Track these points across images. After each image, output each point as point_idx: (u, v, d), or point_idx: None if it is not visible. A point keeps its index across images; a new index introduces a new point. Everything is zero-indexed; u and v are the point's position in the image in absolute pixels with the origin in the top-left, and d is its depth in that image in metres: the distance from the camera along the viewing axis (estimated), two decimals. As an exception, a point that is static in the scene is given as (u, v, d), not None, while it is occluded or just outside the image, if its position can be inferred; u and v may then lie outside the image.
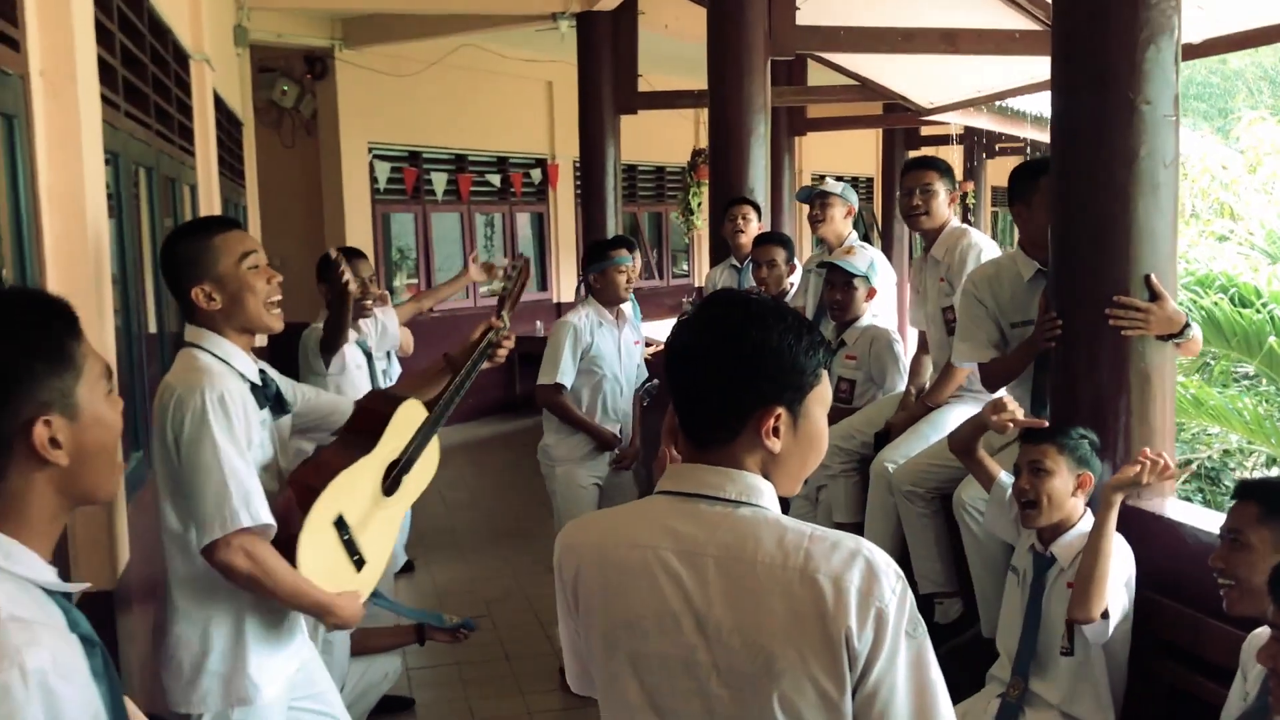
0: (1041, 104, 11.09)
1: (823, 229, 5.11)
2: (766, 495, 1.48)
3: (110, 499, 1.62)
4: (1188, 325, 3.13)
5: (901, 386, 4.37)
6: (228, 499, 2.26)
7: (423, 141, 10.37)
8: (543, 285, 11.73)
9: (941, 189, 4.16)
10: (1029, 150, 12.34)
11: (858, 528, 4.22)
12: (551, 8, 8.36)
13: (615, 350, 4.67)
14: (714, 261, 6.26)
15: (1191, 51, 5.27)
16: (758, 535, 1.43)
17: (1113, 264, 3.11)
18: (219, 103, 5.82)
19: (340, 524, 2.57)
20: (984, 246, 4.11)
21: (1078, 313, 3.18)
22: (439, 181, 10.53)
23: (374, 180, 9.99)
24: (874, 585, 1.37)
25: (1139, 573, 2.90)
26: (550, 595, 5.66)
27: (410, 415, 2.76)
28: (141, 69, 3.70)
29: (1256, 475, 6.57)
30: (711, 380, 1.48)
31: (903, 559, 3.99)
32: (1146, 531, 2.99)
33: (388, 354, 5.28)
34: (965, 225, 4.30)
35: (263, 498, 2.34)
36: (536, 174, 11.52)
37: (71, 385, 1.32)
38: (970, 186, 15.39)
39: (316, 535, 2.48)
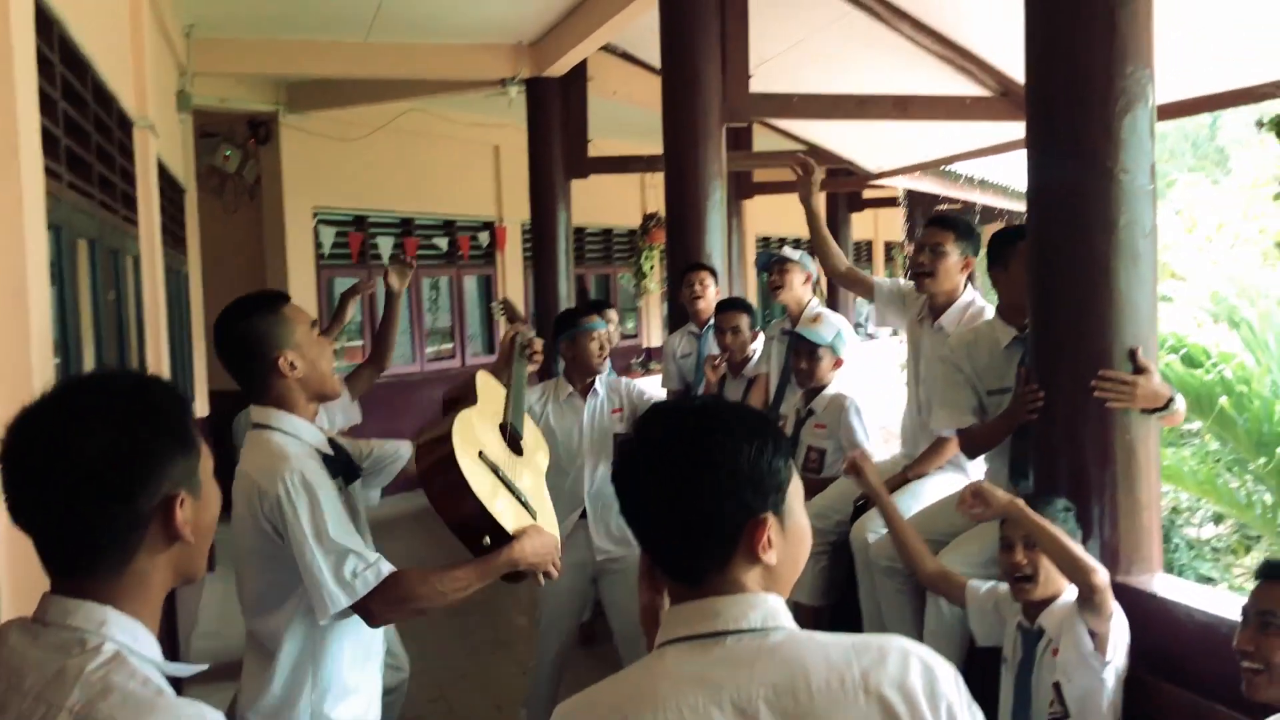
0: (985, 168, 11.27)
1: (783, 295, 5.06)
2: (785, 613, 1.35)
3: (201, 578, 1.57)
4: (1172, 399, 3.08)
5: (870, 451, 4.29)
6: (343, 568, 2.28)
7: (368, 205, 10.24)
8: (491, 349, 11.58)
9: (954, 252, 3.93)
10: (977, 213, 12.48)
11: (818, 612, 4.11)
12: (500, 74, 8.35)
13: (576, 430, 4.24)
14: (672, 327, 6.18)
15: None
16: (803, 661, 1.27)
17: (1094, 335, 3.06)
18: (162, 169, 5.66)
19: (486, 461, 2.58)
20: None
21: (1059, 384, 3.12)
22: (385, 245, 10.39)
23: (318, 245, 9.83)
24: (935, 682, 1.27)
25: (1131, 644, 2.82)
26: (510, 676, 5.50)
27: (489, 383, 2.90)
28: (85, 138, 3.54)
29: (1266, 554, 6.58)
30: (691, 506, 1.32)
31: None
32: (1138, 610, 2.91)
33: None
34: (985, 304, 4.01)
35: (371, 552, 2.36)
36: (484, 237, 11.43)
37: (195, 465, 1.37)
38: (911, 248, 15.57)
39: (470, 463, 2.50)
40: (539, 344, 3.19)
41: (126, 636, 1.28)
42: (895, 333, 13.75)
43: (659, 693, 1.28)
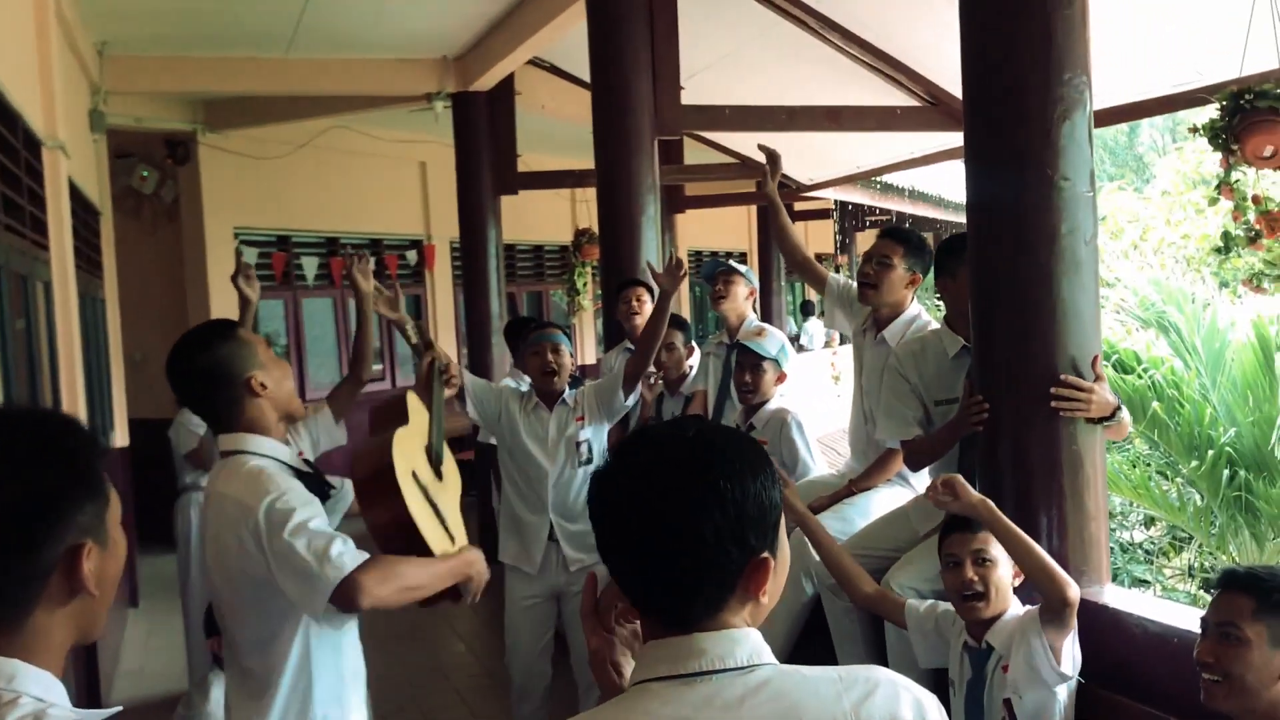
0: (916, 179, 11.36)
1: (725, 305, 4.99)
2: (768, 649, 1.25)
3: (99, 635, 1.47)
4: (1119, 408, 3.06)
5: (812, 466, 4.24)
6: (328, 553, 2.23)
7: (292, 225, 10.03)
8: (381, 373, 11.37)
9: (900, 265, 3.88)
10: (908, 224, 12.61)
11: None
12: (426, 88, 8.22)
13: (543, 441, 4.19)
14: (608, 345, 6.08)
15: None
16: (792, 698, 1.18)
17: (1038, 345, 3.03)
18: (75, 191, 5.44)
19: (418, 481, 2.59)
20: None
21: (1004, 395, 3.08)
22: (309, 266, 10.18)
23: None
24: (925, 714, 1.22)
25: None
26: (451, 705, 5.37)
27: (417, 405, 2.91)
28: (-13, 159, 3.36)
29: (1244, 565, 6.66)
30: (691, 549, 1.20)
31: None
32: (1089, 621, 2.86)
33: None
34: (930, 320, 3.97)
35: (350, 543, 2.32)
36: (413, 255, 11.25)
37: (103, 512, 1.27)
38: (844, 260, 15.68)
39: (407, 483, 2.52)
40: (455, 368, 3.24)
41: (39, 689, 1.19)
42: (828, 344, 13.86)
43: None
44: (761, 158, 4.59)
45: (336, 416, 4.23)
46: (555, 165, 9.71)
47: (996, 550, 2.79)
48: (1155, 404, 7.30)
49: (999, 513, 2.72)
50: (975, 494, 2.76)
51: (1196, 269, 12.52)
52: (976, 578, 2.79)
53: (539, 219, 12.00)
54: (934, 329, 3.73)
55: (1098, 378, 2.98)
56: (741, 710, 1.17)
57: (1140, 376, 7.62)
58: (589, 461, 4.20)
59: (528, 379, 4.40)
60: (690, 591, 1.22)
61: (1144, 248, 14.09)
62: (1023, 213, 3.00)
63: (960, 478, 2.78)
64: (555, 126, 9.51)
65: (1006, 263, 3.06)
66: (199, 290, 9.22)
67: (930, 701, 1.24)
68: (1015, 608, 2.83)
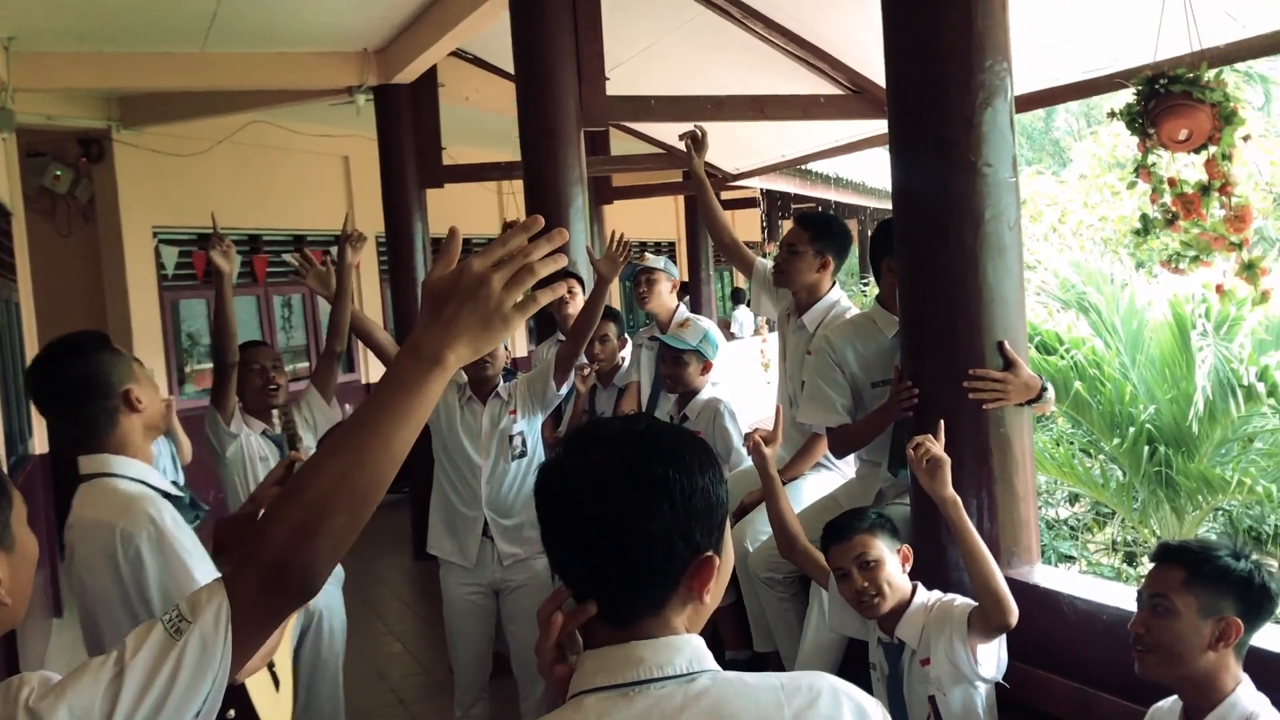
0: (841, 166, 11.45)
1: (650, 304, 5.00)
2: (709, 654, 1.24)
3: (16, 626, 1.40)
4: (1045, 388, 3.10)
5: (745, 454, 4.25)
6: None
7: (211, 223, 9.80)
8: (349, 366, 11.22)
9: (808, 251, 3.97)
10: (832, 210, 12.72)
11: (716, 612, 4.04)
12: (347, 81, 8.09)
13: (476, 434, 4.14)
14: (539, 337, 6.05)
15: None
16: (730, 707, 1.17)
17: (965, 329, 3.06)
18: (-17, 192, 5.27)
19: None
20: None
21: (932, 380, 3.11)
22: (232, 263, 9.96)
23: (160, 266, 9.36)
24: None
25: (1011, 643, 2.78)
26: (388, 706, 5.29)
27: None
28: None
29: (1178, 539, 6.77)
30: (639, 546, 1.20)
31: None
32: (1020, 601, 2.87)
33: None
34: (850, 305, 4.06)
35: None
36: (337, 251, 11.06)
37: (7, 515, 1.26)
38: (771, 247, 15.77)
39: None
40: None
41: None
42: (757, 331, 13.94)
43: None
44: (684, 147, 4.59)
45: (326, 397, 4.25)
46: (481, 158, 9.63)
47: (877, 550, 2.79)
48: (1078, 383, 7.44)
49: (965, 517, 2.70)
50: (950, 488, 2.72)
51: (1114, 250, 12.80)
52: (866, 583, 2.79)
53: (465, 212, 11.82)
54: (864, 312, 3.76)
55: (1013, 362, 3.02)
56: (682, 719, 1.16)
57: (1063, 357, 7.76)
58: (523, 455, 4.17)
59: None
60: (636, 588, 1.22)
61: (1063, 230, 14.39)
62: (947, 199, 3.03)
63: (948, 463, 2.75)
64: (480, 119, 9.42)
65: (932, 249, 3.09)
66: (118, 291, 8.99)
67: (872, 706, 1.24)
68: (922, 595, 2.83)
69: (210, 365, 9.65)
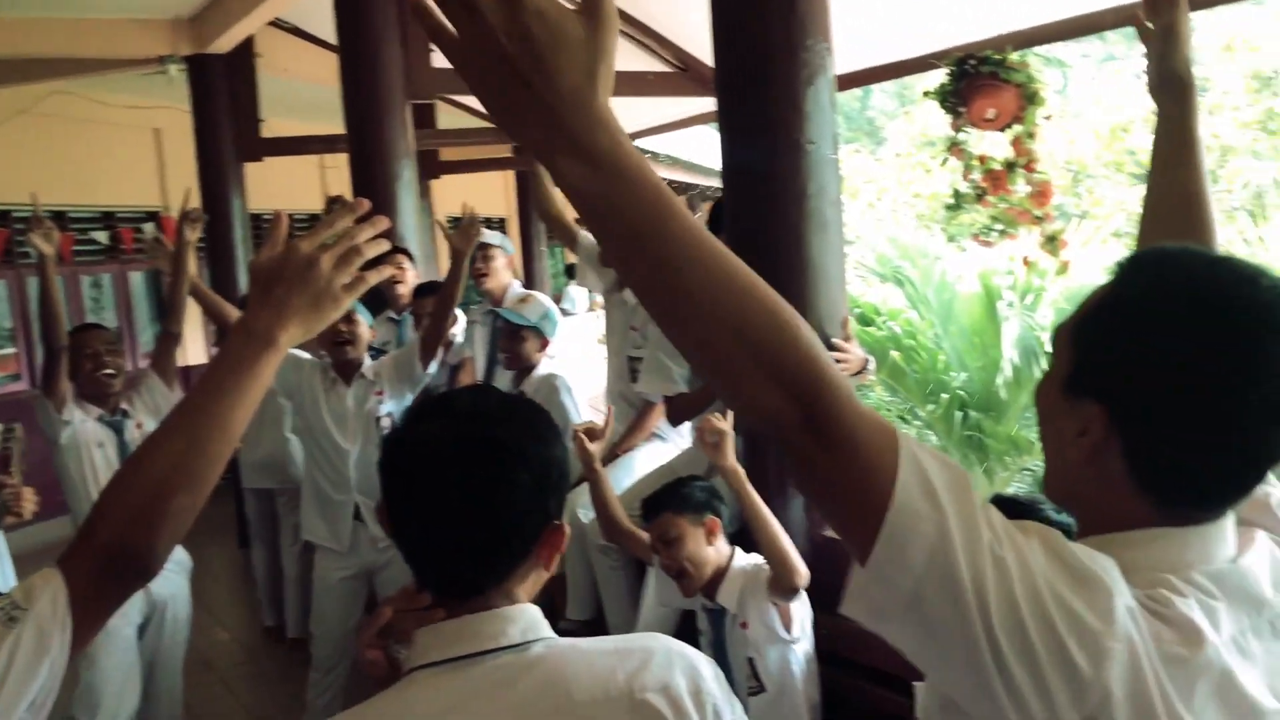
0: (668, 143, 11.56)
1: (489, 282, 4.96)
2: (545, 622, 1.25)
3: None
4: (868, 360, 3.24)
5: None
6: None
7: (11, 199, 9.21)
8: (168, 347, 10.76)
9: None
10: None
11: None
12: (158, 50, 7.72)
13: (341, 417, 4.05)
14: (374, 313, 5.93)
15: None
16: (564, 674, 1.19)
17: (791, 302, 3.14)
18: None
19: None
20: None
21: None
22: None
23: (-46, 245, 8.79)
24: (700, 682, 1.23)
25: (818, 598, 2.86)
26: (218, 697, 5.13)
27: None
28: None
29: None
30: (493, 516, 1.20)
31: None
32: (843, 563, 3.02)
33: None
34: None
35: None
36: (150, 228, 10.57)
37: None
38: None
39: None
40: (29, 503, 2.92)
41: None
42: (591, 308, 13.99)
43: None
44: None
45: (167, 381, 4.07)
46: (302, 130, 9.33)
47: (677, 528, 2.85)
48: (894, 353, 7.74)
49: (747, 486, 2.75)
50: (732, 459, 2.78)
51: (927, 225, 13.34)
52: (670, 560, 2.86)
53: (286, 187, 11.47)
54: None
55: (848, 337, 3.14)
56: (514, 690, 1.17)
57: (880, 328, 8.07)
58: None
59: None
60: (489, 559, 1.22)
61: (880, 207, 14.93)
62: (774, 176, 3.12)
63: (731, 437, 2.81)
64: (300, 90, 9.13)
65: (759, 224, 3.17)
66: (-95, 271, 8.41)
67: (706, 668, 1.27)
68: (740, 559, 2.89)
69: (12, 350, 9.20)
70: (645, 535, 3.09)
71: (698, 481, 2.93)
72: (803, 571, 2.69)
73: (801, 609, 2.78)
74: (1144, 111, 14.47)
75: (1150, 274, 1.04)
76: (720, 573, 2.86)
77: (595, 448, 3.12)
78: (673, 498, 2.90)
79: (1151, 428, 1.00)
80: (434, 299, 4.92)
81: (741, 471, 2.78)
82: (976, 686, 0.90)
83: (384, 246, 1.31)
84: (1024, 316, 7.68)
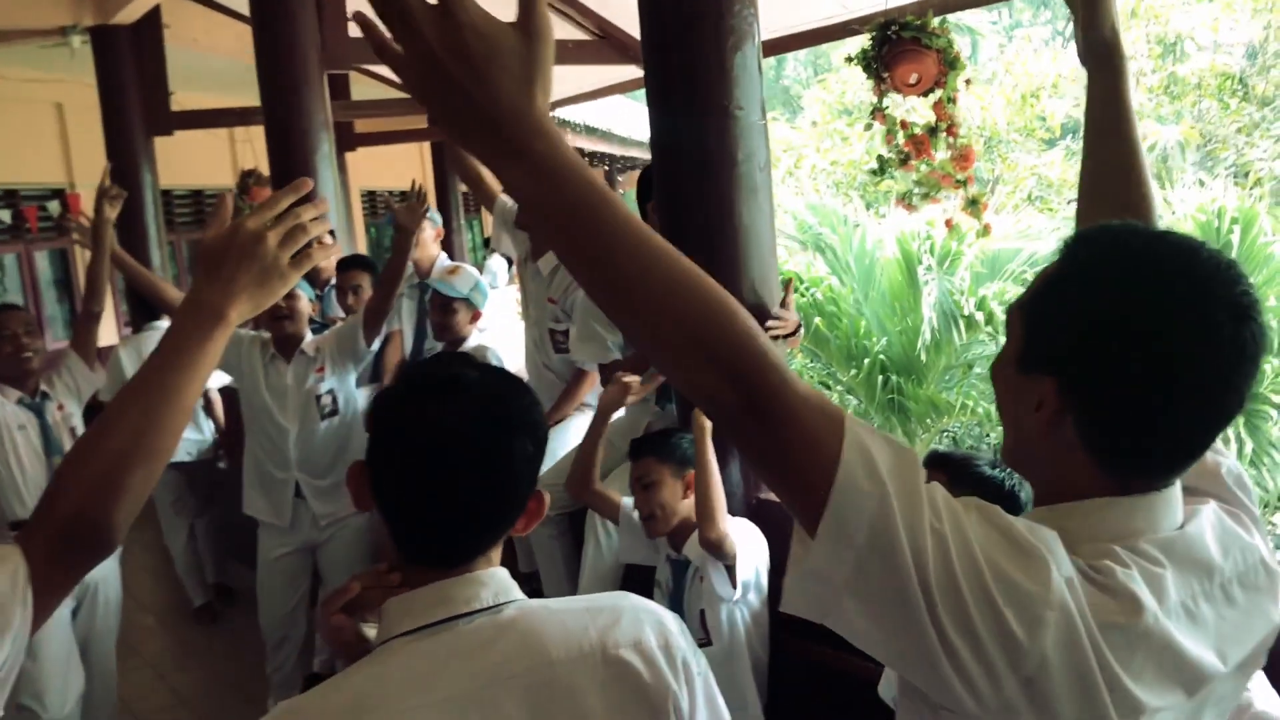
0: (587, 114, 11.52)
1: (416, 253, 4.90)
2: (514, 584, 1.27)
3: None
4: (800, 325, 3.28)
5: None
6: None
7: (-96, 177, 8.91)
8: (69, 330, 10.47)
9: None
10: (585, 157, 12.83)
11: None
12: (59, 21, 7.46)
13: (281, 394, 4.00)
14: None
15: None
16: (539, 633, 1.20)
17: (722, 267, 3.16)
18: None
19: None
20: None
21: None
22: (-66, 222, 9.10)
23: None
24: (669, 637, 1.27)
25: (776, 562, 2.95)
26: (146, 682, 5.04)
27: None
28: None
29: None
30: (501, 485, 1.23)
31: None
32: (774, 520, 3.07)
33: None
34: None
35: None
36: (55, 206, 10.26)
37: None
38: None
39: None
40: None
41: None
42: (511, 280, 13.92)
43: (387, 698, 1.14)
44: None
45: (88, 361, 3.98)
46: (212, 103, 9.11)
47: (657, 473, 2.93)
48: (817, 319, 7.86)
49: (706, 440, 2.78)
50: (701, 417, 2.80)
51: (845, 193, 13.51)
52: (643, 503, 2.95)
53: (196, 161, 11.24)
54: None
55: (786, 302, 3.18)
56: (491, 652, 1.18)
57: (803, 295, 8.16)
58: (334, 413, 4.06)
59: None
60: (486, 528, 1.25)
61: (799, 174, 15.03)
62: (703, 142, 3.12)
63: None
64: (209, 62, 8.91)
65: (689, 190, 3.18)
66: None
67: (672, 623, 1.30)
68: None
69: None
70: (614, 496, 3.19)
71: (687, 435, 2.96)
72: (720, 528, 2.74)
73: (746, 568, 2.82)
74: (1052, 78, 14.79)
75: (1094, 250, 1.09)
76: (689, 525, 2.92)
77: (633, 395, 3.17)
78: (661, 445, 2.98)
79: (1102, 398, 1.04)
80: (361, 272, 4.89)
81: (708, 426, 2.78)
82: (922, 661, 0.94)
83: (327, 226, 1.34)
84: (943, 280, 7.83)
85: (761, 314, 3.14)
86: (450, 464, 1.20)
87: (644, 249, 0.97)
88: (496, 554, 1.27)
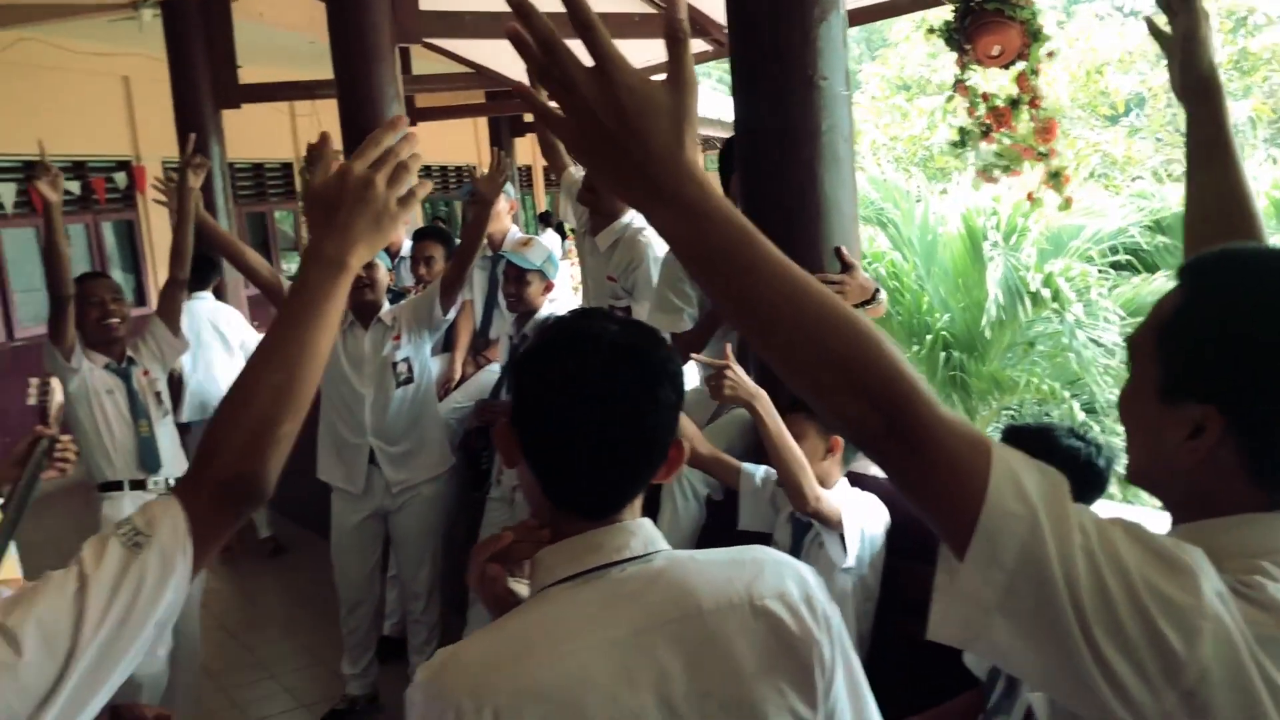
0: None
1: (491, 226, 4.93)
2: (660, 535, 1.30)
3: None
4: (877, 290, 3.26)
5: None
6: None
7: (-22, 149, 9.07)
8: (140, 300, 10.65)
9: None
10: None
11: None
12: (129, -5, 7.56)
13: (358, 363, 4.08)
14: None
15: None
16: (686, 583, 1.23)
17: (803, 237, 3.18)
18: None
19: None
20: (656, 248, 4.00)
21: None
22: (6, 193, 9.25)
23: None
24: (809, 589, 1.29)
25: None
26: (222, 650, 5.15)
27: None
28: None
29: None
30: (648, 433, 1.26)
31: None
32: (886, 499, 3.03)
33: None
34: (644, 225, 4.09)
35: None
36: (121, 178, 10.43)
37: None
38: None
39: None
40: (70, 451, 2.75)
41: None
42: (565, 255, 13.96)
43: (548, 640, 1.18)
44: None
45: (172, 328, 4.08)
46: (276, 77, 9.20)
47: (799, 429, 2.81)
48: (881, 295, 7.80)
49: (771, 410, 2.74)
50: (750, 385, 2.77)
51: (905, 168, 13.40)
52: None
53: (258, 135, 11.35)
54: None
55: (850, 265, 3.16)
56: (644, 599, 1.22)
57: (866, 270, 8.11)
58: (409, 381, 4.13)
59: None
60: (634, 478, 1.28)
61: (859, 150, 14.91)
62: (786, 112, 3.12)
63: (733, 368, 2.78)
64: (272, 35, 8.98)
65: (773, 160, 3.18)
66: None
67: (808, 572, 1.32)
68: (843, 486, 2.92)
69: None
70: (732, 461, 3.11)
71: None
72: (811, 496, 2.70)
73: (853, 534, 2.78)
74: (1118, 53, 14.54)
75: (1228, 273, 1.11)
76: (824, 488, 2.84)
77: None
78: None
79: (1270, 418, 1.06)
80: (434, 243, 4.93)
81: (764, 394, 2.76)
82: (1077, 681, 0.95)
83: (421, 160, 1.35)
84: (1008, 256, 7.75)
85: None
86: (599, 418, 1.23)
87: (791, 284, 1.01)
88: (639, 504, 1.30)
